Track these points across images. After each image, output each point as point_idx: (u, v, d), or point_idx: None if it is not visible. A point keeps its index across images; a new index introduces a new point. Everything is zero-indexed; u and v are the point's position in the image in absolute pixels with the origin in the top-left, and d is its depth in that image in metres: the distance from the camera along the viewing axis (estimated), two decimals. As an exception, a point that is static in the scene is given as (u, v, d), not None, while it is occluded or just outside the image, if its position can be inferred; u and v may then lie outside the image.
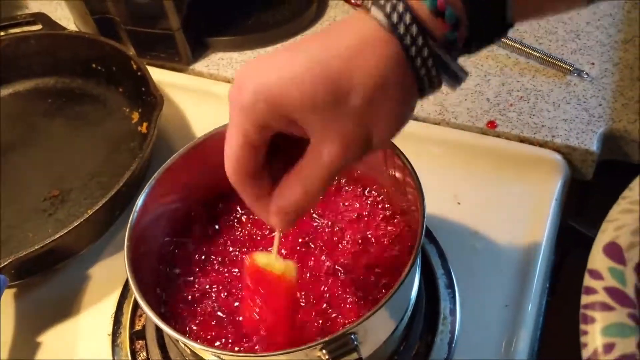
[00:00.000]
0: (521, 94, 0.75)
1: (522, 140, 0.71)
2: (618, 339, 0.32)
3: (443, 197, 0.67)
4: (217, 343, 0.51)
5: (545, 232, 0.64)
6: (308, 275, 0.54)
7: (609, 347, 0.32)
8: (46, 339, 0.63)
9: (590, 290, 0.35)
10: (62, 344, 0.62)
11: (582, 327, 0.34)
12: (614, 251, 0.36)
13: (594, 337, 0.33)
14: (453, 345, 0.56)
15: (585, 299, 0.35)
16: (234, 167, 0.42)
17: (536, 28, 0.82)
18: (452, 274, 0.61)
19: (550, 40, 0.80)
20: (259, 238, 0.58)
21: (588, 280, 0.35)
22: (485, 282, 0.61)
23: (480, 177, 0.69)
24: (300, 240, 0.56)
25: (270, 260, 0.46)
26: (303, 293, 0.53)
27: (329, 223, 0.57)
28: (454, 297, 0.59)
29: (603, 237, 0.37)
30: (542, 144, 0.70)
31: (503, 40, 0.78)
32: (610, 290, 0.34)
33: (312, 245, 0.56)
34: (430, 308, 0.58)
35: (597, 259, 0.36)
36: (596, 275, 0.35)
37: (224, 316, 0.53)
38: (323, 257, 0.55)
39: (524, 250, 0.63)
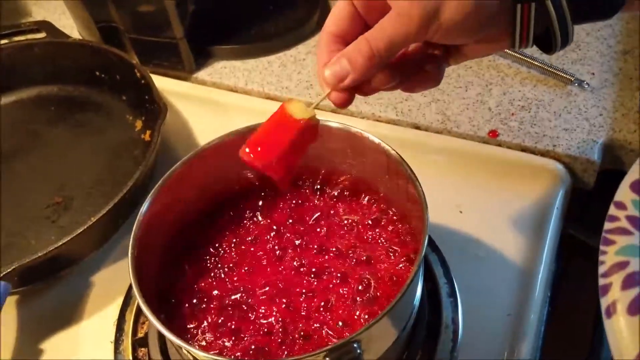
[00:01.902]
0: (522, 103, 0.75)
1: (524, 149, 0.71)
2: (632, 258, 0.36)
3: (445, 205, 0.68)
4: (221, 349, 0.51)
5: (546, 240, 0.64)
6: (312, 281, 0.54)
7: (623, 264, 0.36)
8: (48, 346, 0.63)
9: (614, 218, 0.38)
10: (64, 351, 0.62)
11: (602, 248, 0.37)
12: (639, 187, 0.39)
13: (610, 256, 0.37)
14: (455, 353, 0.56)
15: (607, 225, 0.38)
16: (328, 21, 0.48)
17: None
18: (454, 282, 0.61)
19: (551, 50, 0.80)
20: (266, 237, 0.58)
21: (613, 210, 0.39)
22: (487, 291, 0.62)
23: (482, 186, 0.70)
24: (301, 245, 0.57)
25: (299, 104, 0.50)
26: (304, 296, 0.53)
27: (332, 230, 0.57)
28: (456, 305, 0.59)
29: (632, 175, 0.40)
30: (544, 153, 0.70)
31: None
32: (631, 219, 0.38)
33: (315, 253, 0.56)
34: (432, 316, 0.58)
35: (623, 193, 0.39)
36: (620, 206, 0.39)
37: (228, 324, 0.53)
38: (326, 265, 0.55)
39: (525, 259, 0.63)
